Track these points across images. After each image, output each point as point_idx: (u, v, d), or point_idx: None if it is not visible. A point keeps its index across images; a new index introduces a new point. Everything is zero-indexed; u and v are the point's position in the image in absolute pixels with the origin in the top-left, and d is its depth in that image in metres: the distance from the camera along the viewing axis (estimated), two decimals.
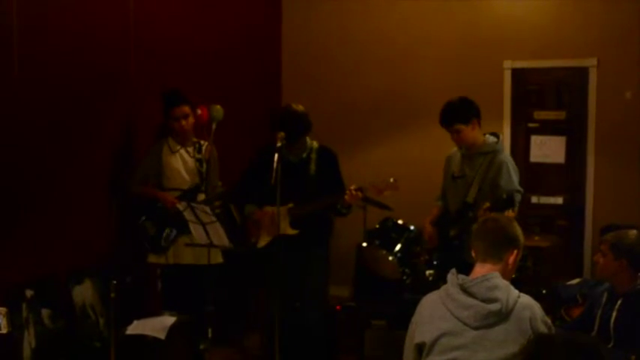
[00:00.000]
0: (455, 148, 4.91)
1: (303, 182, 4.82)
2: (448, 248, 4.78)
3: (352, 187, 4.68)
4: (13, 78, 4.45)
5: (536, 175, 6.86)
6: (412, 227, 6.27)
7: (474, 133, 4.68)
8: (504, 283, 2.95)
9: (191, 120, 5.17)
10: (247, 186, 5.03)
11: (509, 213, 4.16)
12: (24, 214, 4.53)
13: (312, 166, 4.89)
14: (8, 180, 4.42)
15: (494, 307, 2.86)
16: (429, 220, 4.98)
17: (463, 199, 4.68)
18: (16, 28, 4.44)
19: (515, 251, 3.07)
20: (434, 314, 2.98)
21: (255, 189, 4.91)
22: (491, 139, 4.75)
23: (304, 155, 4.90)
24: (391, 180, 4.67)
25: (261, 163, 4.89)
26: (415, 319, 3.09)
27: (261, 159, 4.90)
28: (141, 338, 4.57)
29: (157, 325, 4.63)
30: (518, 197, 4.45)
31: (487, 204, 4.35)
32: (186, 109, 5.13)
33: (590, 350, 2.28)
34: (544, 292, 5.54)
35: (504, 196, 4.32)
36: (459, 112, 4.66)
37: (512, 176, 4.60)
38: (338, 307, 5.84)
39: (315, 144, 4.96)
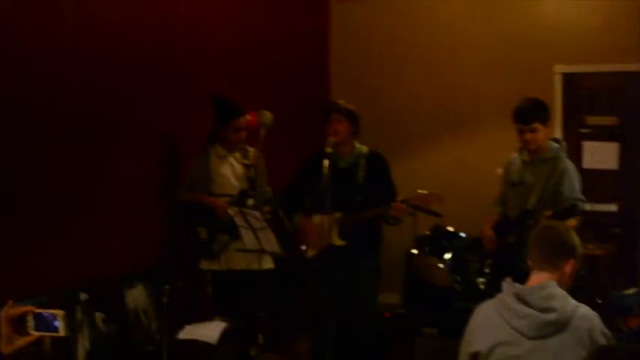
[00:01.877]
0: (514, 154, 4.83)
1: (351, 189, 4.79)
2: (505, 255, 4.72)
3: (398, 199, 4.65)
4: (65, 82, 4.49)
5: (589, 182, 6.71)
6: (463, 234, 6.21)
7: (546, 135, 4.63)
8: (561, 293, 2.90)
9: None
10: (295, 194, 5.02)
11: (571, 222, 4.09)
12: (78, 218, 4.57)
13: (361, 173, 4.85)
14: (63, 183, 4.46)
15: (551, 316, 2.81)
16: (488, 225, 4.91)
17: (523, 205, 4.61)
18: (69, 30, 4.49)
19: (573, 260, 3.02)
20: (489, 323, 2.95)
21: (303, 197, 4.90)
22: (554, 145, 4.68)
23: (352, 161, 4.87)
24: (437, 192, 4.63)
25: (309, 170, 4.89)
26: (470, 327, 3.06)
27: (309, 166, 4.90)
28: (192, 343, 4.59)
29: (208, 331, 4.64)
30: (581, 206, 4.37)
31: (549, 212, 4.28)
32: (245, 120, 5.16)
33: None
34: (599, 301, 5.44)
35: (567, 204, 4.26)
36: (539, 111, 4.59)
37: (575, 184, 4.53)
38: (387, 315, 5.81)
39: (364, 149, 4.93)
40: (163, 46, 5.35)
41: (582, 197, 4.52)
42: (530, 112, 4.57)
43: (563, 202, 4.36)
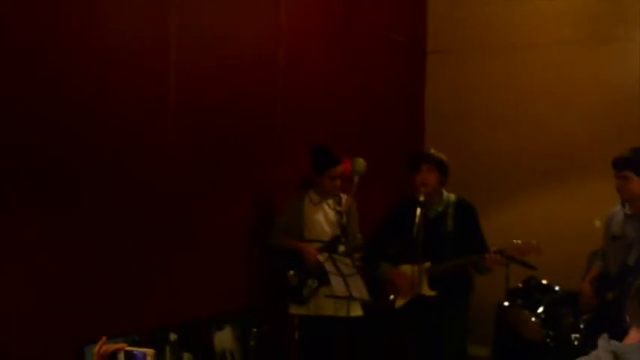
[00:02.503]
0: (617, 207, 4.66)
1: (440, 239, 4.73)
2: (603, 312, 4.54)
3: (492, 250, 4.57)
4: (169, 126, 4.67)
5: None
6: (557, 288, 6.03)
7: None
8: None
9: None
10: (381, 242, 5.00)
11: None
12: (170, 260, 4.68)
13: (450, 222, 4.80)
14: (156, 225, 4.60)
15: None
16: (588, 280, 4.75)
17: (624, 261, 4.44)
18: (173, 77, 4.67)
19: None
20: None
21: (391, 246, 4.87)
22: None
23: (440, 209, 4.83)
24: (534, 242, 4.52)
25: (397, 219, 4.87)
26: None
27: (397, 215, 4.88)
28: None
29: None
30: None
31: None
32: (342, 169, 5.21)
33: None
34: None
35: None
36: (633, 159, 4.46)
37: None
38: None
39: (452, 197, 4.89)
40: (262, 91, 5.48)
41: None
42: (623, 159, 4.45)
43: None
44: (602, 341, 2.88)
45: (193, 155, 4.87)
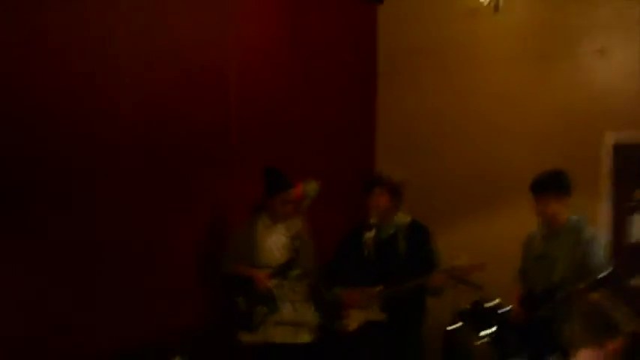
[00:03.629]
0: (534, 229, 4.81)
1: (392, 261, 4.77)
2: (534, 330, 4.63)
3: (437, 270, 4.63)
4: (120, 148, 4.64)
5: (636, 257, 6.60)
6: (507, 308, 6.10)
7: (560, 209, 4.59)
8: None
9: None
10: (336, 266, 5.02)
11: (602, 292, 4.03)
12: (117, 287, 4.63)
13: (402, 244, 4.84)
14: (103, 251, 4.55)
15: None
16: (517, 302, 4.86)
17: (548, 279, 4.56)
18: (130, 94, 4.67)
19: (620, 339, 2.93)
20: None
21: (344, 270, 4.89)
22: (573, 217, 4.66)
23: (392, 231, 4.87)
24: (478, 262, 4.60)
25: (351, 242, 4.90)
26: None
27: (350, 239, 4.91)
28: None
29: None
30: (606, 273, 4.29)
31: (582, 284, 4.21)
32: (294, 193, 5.21)
33: None
34: None
35: (599, 275, 4.20)
36: (552, 183, 4.60)
37: (601, 253, 4.47)
38: None
39: (407, 219, 4.93)
40: (214, 120, 5.48)
41: (608, 265, 4.43)
42: (542, 183, 4.60)
43: (591, 271, 4.30)
44: None
45: (144, 178, 4.83)
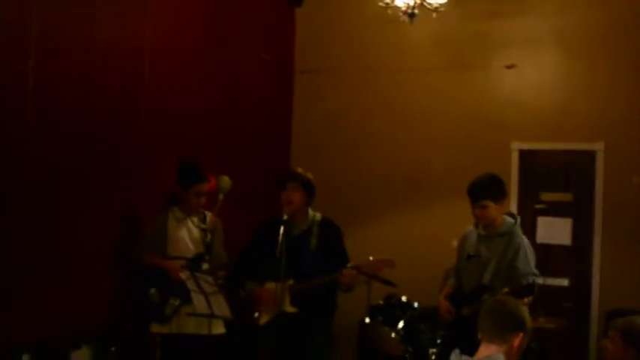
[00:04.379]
0: (470, 227, 4.86)
1: (303, 257, 4.78)
2: (458, 327, 4.70)
3: (348, 266, 4.66)
4: (26, 138, 4.49)
5: (542, 257, 6.77)
6: (416, 304, 6.22)
7: (498, 212, 4.66)
8: None
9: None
10: (248, 261, 5.00)
11: (526, 300, 4.12)
12: (26, 277, 4.51)
13: (314, 240, 4.84)
14: (12, 242, 4.42)
15: None
16: (444, 295, 4.90)
17: (478, 279, 4.60)
18: (30, 89, 4.51)
19: (521, 334, 3.04)
20: None
21: (256, 264, 4.88)
22: (509, 220, 4.71)
23: (305, 227, 4.88)
24: (387, 258, 4.64)
25: (262, 237, 4.88)
26: None
27: (263, 233, 4.90)
28: None
29: None
30: (537, 282, 4.38)
31: (506, 289, 4.27)
32: (207, 186, 5.17)
33: None
34: None
35: (525, 282, 4.27)
36: (489, 189, 4.64)
37: (529, 259, 4.56)
38: None
39: (317, 216, 4.94)
40: (126, 108, 5.38)
41: (536, 272, 4.53)
42: (480, 190, 4.64)
43: (519, 277, 4.38)
44: (454, 356, 3.01)
45: (55, 169, 4.71)
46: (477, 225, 4.80)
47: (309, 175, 4.92)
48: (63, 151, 4.77)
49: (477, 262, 4.69)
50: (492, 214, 4.64)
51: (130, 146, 5.39)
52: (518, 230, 4.70)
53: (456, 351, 3.03)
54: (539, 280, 4.42)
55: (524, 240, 4.68)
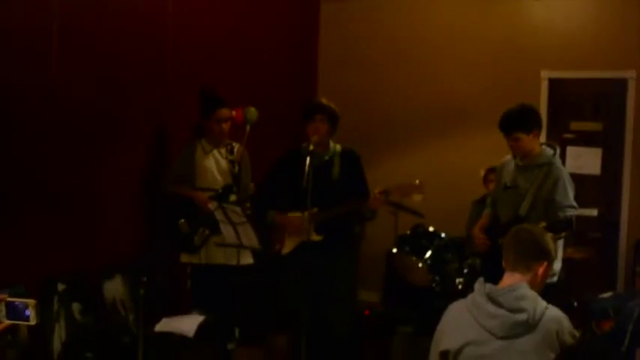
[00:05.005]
0: (508, 156, 4.76)
1: (326, 186, 4.79)
2: (493, 258, 4.68)
3: (376, 191, 4.64)
4: (52, 76, 4.53)
5: None
6: (443, 235, 6.24)
7: (532, 143, 4.57)
8: (532, 294, 2.93)
9: (229, 122, 5.22)
10: (269, 191, 5.03)
11: (563, 234, 4.09)
12: (60, 209, 4.60)
13: (336, 170, 4.86)
14: (45, 175, 4.51)
15: (521, 317, 2.84)
16: (479, 226, 4.88)
17: (515, 210, 4.54)
18: (55, 27, 4.52)
19: (545, 263, 3.05)
20: (460, 322, 2.98)
21: (279, 194, 4.90)
22: (548, 150, 4.60)
23: (327, 158, 4.89)
24: (417, 182, 4.57)
25: (284, 167, 4.90)
26: (441, 326, 3.08)
27: (284, 163, 4.91)
28: (169, 336, 4.61)
29: (185, 324, 4.66)
30: (573, 213, 4.30)
31: (543, 223, 4.19)
32: (228, 111, 5.18)
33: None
34: (575, 304, 5.48)
35: (562, 216, 4.21)
36: (521, 120, 4.53)
37: (568, 191, 4.45)
38: (366, 312, 5.84)
39: (338, 147, 4.95)
40: (152, 42, 5.37)
41: (575, 205, 4.42)
42: (511, 122, 4.54)
43: (556, 210, 4.33)
44: (478, 284, 3.03)
45: (81, 103, 4.75)
46: (514, 155, 4.73)
47: (335, 107, 4.91)
48: (90, 89, 4.81)
49: (515, 192, 4.61)
50: (527, 146, 4.54)
51: (156, 78, 5.40)
52: (558, 161, 4.59)
53: (480, 279, 3.05)
54: (576, 213, 4.35)
55: (564, 171, 4.58)
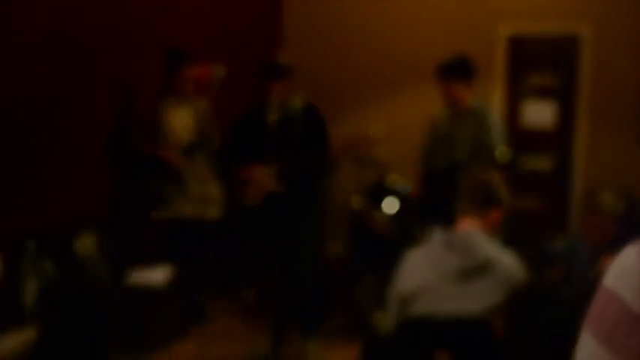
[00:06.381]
0: (441, 109, 4.97)
1: (289, 141, 4.89)
2: (435, 206, 4.85)
3: (335, 142, 4.78)
4: (11, 30, 4.51)
5: (526, 140, 6.98)
6: (405, 186, 6.37)
7: (465, 92, 4.75)
8: (486, 239, 3.07)
9: (195, 79, 5.26)
10: (234, 145, 5.11)
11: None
12: (27, 166, 4.63)
13: (298, 125, 4.95)
14: (12, 132, 4.52)
15: (475, 262, 2.97)
16: (418, 179, 5.06)
17: (451, 158, 4.76)
18: None
19: (499, 209, 3.17)
20: (416, 267, 3.09)
21: (242, 148, 4.98)
22: (479, 100, 4.83)
23: (289, 114, 4.97)
24: (370, 133, 4.74)
25: (247, 122, 4.98)
26: (398, 272, 3.20)
27: (247, 119, 4.99)
28: (141, 289, 4.71)
29: (156, 277, 4.77)
30: (511, 157, 4.50)
31: (481, 167, 4.34)
32: (193, 69, 5.21)
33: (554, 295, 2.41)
34: (530, 252, 5.67)
35: (505, 160, 4.37)
36: (456, 68, 4.71)
37: (500, 137, 4.69)
38: (331, 262, 5.97)
39: (298, 101, 5.02)
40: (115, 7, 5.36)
41: (508, 148, 4.60)
42: (446, 69, 4.71)
43: (491, 154, 4.50)
44: (434, 231, 3.18)
45: (45, 62, 4.75)
46: (446, 107, 4.89)
47: (291, 62, 4.97)
48: (53, 46, 4.80)
49: (449, 141, 4.79)
50: (458, 94, 4.73)
51: (120, 36, 5.38)
52: (489, 111, 4.79)
53: (435, 226, 3.19)
54: (512, 157, 4.52)
55: (496, 118, 4.79)
